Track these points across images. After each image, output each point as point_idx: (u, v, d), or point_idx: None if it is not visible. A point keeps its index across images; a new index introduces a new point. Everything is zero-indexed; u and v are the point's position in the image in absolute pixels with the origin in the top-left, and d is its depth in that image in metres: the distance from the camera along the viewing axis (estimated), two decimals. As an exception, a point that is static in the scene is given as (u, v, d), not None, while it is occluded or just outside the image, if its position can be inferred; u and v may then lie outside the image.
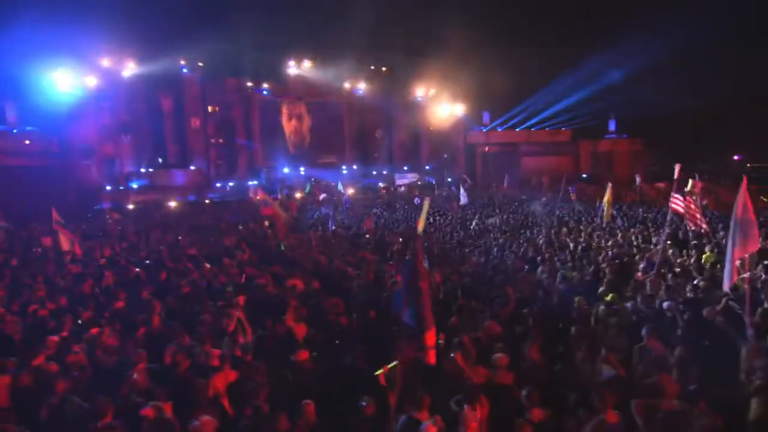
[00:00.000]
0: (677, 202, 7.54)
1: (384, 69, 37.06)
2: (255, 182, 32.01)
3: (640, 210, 15.31)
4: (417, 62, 35.99)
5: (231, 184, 31.22)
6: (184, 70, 29.72)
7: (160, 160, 29.15)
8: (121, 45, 27.06)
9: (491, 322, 4.98)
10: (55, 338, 4.74)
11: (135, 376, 3.84)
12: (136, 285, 7.85)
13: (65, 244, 9.27)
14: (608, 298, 6.08)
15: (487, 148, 37.76)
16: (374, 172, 36.82)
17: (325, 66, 34.69)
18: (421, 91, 38.14)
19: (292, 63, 33.98)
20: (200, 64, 29.98)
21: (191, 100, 30.52)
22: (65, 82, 25.54)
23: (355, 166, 35.10)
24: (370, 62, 36.40)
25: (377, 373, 3.34)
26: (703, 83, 31.85)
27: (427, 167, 38.78)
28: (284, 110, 34.54)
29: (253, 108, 32.99)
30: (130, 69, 28.02)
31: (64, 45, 24.72)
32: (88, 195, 24.91)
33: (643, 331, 4.44)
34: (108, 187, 26.42)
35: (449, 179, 36.81)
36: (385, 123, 38.55)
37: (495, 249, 9.36)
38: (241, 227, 13.56)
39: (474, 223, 13.38)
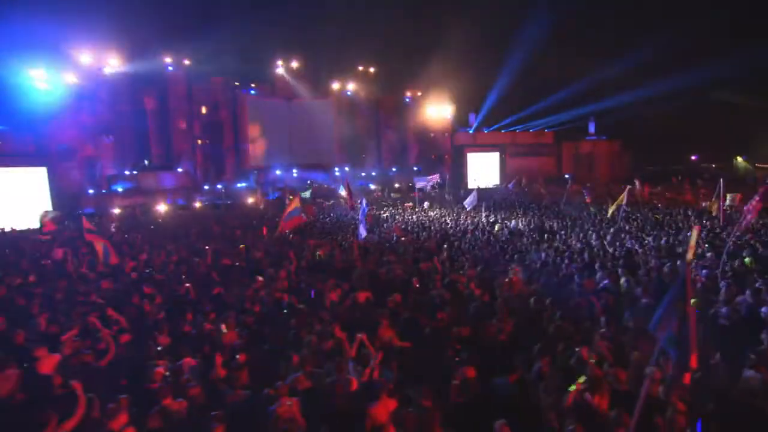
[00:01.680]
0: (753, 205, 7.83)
1: (372, 70, 36.91)
2: (244, 184, 31.19)
3: (648, 212, 15.83)
4: (405, 64, 36.17)
5: (219, 186, 30.25)
6: (170, 68, 28.47)
7: (146, 162, 27.78)
8: (103, 41, 25.61)
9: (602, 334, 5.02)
10: (161, 370, 4.36)
11: (283, 410, 3.58)
12: (186, 301, 7.42)
13: (102, 252, 8.67)
14: (692, 302, 6.21)
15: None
16: (363, 174, 36.67)
17: (314, 66, 34.22)
18: (409, 93, 38.29)
19: (280, 63, 33.29)
20: (186, 62, 28.82)
21: (177, 99, 29.30)
22: (42, 78, 23.93)
23: (347, 168, 34.76)
24: (358, 64, 36.19)
25: (570, 389, 3.29)
26: (671, 87, 33.63)
27: (415, 168, 38.94)
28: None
29: (242, 108, 32.05)
30: (112, 66, 26.57)
31: (41, 39, 23.19)
32: (70, 199, 23.48)
33: (764, 336, 4.57)
34: (90, 191, 25.00)
35: (439, 180, 37.14)
36: (373, 124, 38.42)
37: (542, 255, 9.44)
38: (265, 234, 13.08)
39: (497, 228, 13.47)
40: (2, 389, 4.02)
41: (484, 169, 38.44)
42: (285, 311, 6.49)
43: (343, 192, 24.35)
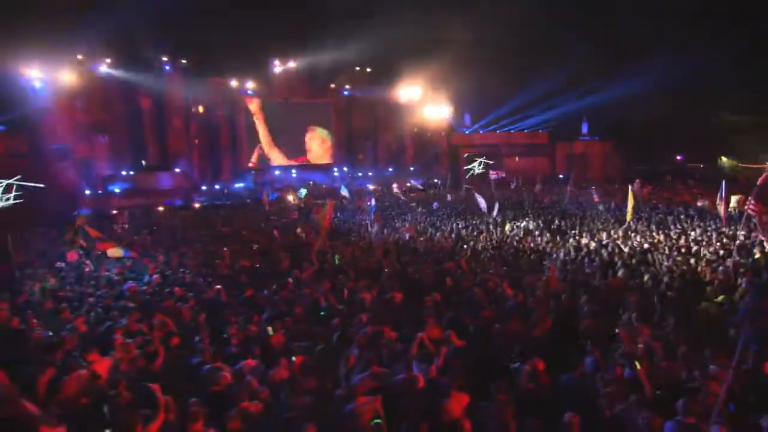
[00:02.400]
0: (752, 207, 8.10)
1: (368, 70, 36.91)
2: (242, 184, 30.97)
3: (651, 212, 16.20)
4: (401, 64, 36.24)
5: (218, 186, 30.02)
6: (166, 67, 28.09)
7: (143, 162, 27.37)
8: (98, 39, 25.17)
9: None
10: (228, 376, 4.38)
11: (367, 407, 3.65)
12: (219, 304, 7.42)
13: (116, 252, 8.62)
14: (719, 298, 6.50)
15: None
16: (360, 174, 36.75)
17: (311, 67, 34.09)
18: (405, 93, 38.39)
19: (277, 63, 33.11)
20: (183, 61, 28.45)
21: (173, 99, 28.92)
22: (36, 77, 23.44)
23: (345, 168, 34.78)
24: (355, 64, 36.14)
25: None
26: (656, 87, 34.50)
27: (411, 168, 39.18)
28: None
29: (238, 108, 31.81)
30: (107, 65, 26.13)
31: (35, 37, 22.72)
32: (66, 200, 23.06)
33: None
34: (87, 191, 24.58)
35: (436, 180, 37.45)
36: (370, 124, 38.44)
37: (561, 254, 9.65)
38: (276, 236, 13.07)
39: (507, 227, 13.67)
40: (70, 389, 4.01)
41: (479, 170, 38.82)
42: (323, 313, 6.56)
43: (345, 192, 24.40)
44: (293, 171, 32.16)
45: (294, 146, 34.25)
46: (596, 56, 35.66)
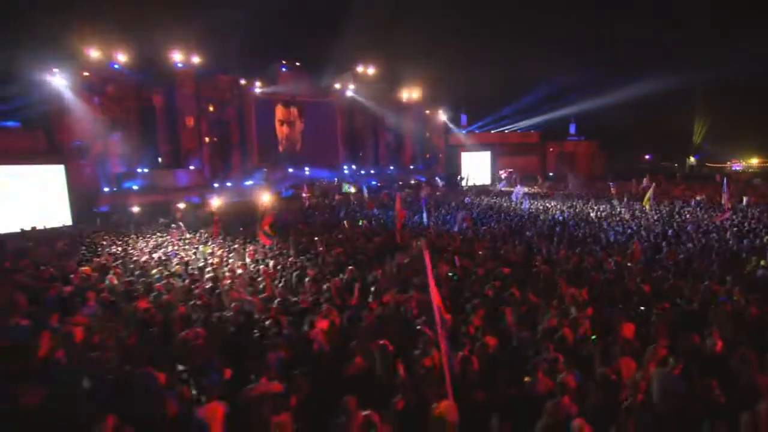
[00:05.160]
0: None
1: (371, 72, 37.92)
2: (251, 182, 31.37)
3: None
4: (402, 66, 37.54)
5: (228, 183, 30.32)
6: (179, 65, 28.20)
7: (159, 159, 27.41)
8: (113, 35, 25.16)
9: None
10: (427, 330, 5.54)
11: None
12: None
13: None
14: (763, 262, 8.13)
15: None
16: (362, 172, 37.75)
17: (316, 67, 34.82)
18: (405, 93, 39.66)
19: (284, 62, 33.70)
20: (196, 59, 28.62)
21: (185, 97, 29.04)
22: (53, 74, 23.21)
23: (353, 166, 35.71)
24: (358, 64, 37.07)
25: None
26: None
27: (411, 167, 40.50)
28: (277, 114, 34.15)
29: (248, 106, 32.19)
30: (120, 62, 26.06)
31: (49, 34, 22.54)
32: (86, 198, 23.05)
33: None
34: (105, 189, 24.53)
35: (437, 178, 38.94)
36: (372, 124, 39.48)
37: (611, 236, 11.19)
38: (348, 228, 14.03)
39: (542, 217, 15.19)
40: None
41: (476, 168, 40.56)
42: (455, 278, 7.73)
43: (364, 191, 25.45)
44: (306, 169, 32.81)
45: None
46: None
